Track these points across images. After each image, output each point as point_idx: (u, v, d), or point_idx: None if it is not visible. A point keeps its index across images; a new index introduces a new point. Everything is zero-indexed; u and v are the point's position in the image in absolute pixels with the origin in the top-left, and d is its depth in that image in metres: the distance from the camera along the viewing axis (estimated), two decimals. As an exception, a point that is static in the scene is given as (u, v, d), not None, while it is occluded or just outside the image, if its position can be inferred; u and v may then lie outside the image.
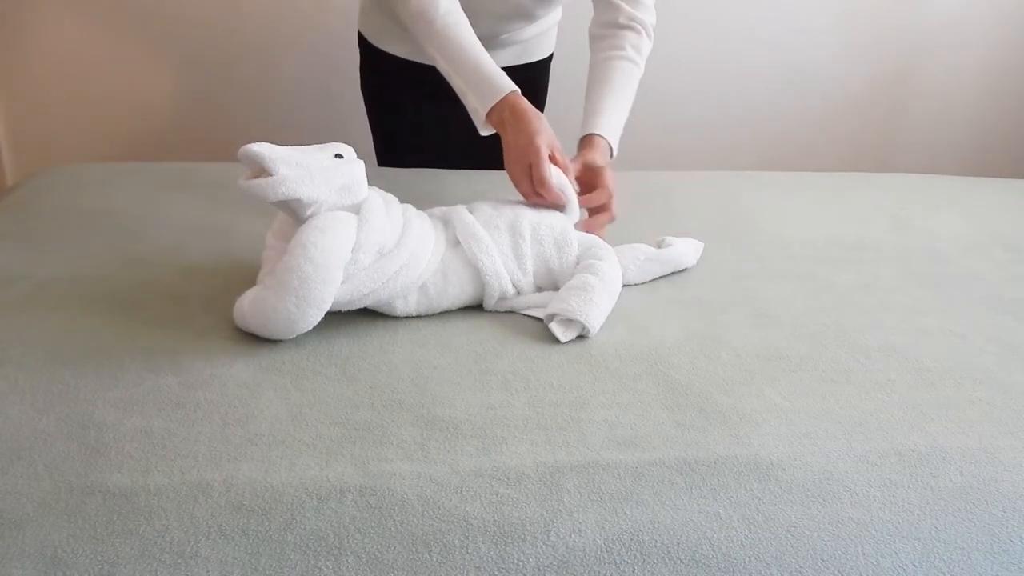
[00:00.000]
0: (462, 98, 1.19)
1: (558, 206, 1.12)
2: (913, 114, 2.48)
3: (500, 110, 1.14)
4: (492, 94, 1.15)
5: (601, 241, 1.09)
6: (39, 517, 0.66)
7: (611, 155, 1.26)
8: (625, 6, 1.32)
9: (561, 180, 1.11)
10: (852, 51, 2.36)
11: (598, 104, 1.28)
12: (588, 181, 1.20)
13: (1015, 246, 1.33)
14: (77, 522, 0.66)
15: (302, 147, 0.95)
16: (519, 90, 1.16)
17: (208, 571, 0.63)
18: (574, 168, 1.19)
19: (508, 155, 1.14)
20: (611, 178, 1.19)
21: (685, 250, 1.16)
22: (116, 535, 0.65)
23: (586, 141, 1.25)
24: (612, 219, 1.19)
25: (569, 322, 0.97)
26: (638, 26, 1.33)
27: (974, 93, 2.47)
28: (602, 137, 1.25)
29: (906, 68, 2.41)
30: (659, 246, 1.16)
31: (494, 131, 1.17)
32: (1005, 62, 2.44)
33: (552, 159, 1.12)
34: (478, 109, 1.16)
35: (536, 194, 1.11)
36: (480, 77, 1.16)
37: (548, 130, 1.14)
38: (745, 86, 2.37)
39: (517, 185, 1.13)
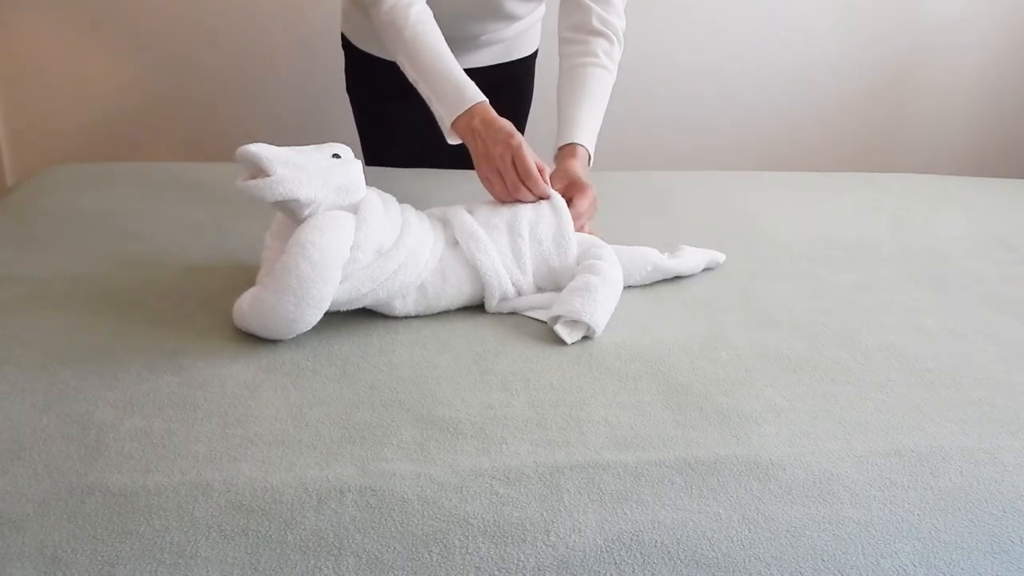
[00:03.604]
0: (429, 105, 1.18)
1: (544, 197, 1.11)
2: (913, 114, 2.48)
3: (469, 118, 1.14)
4: (459, 104, 1.14)
5: (599, 240, 1.09)
6: (39, 517, 0.66)
7: (588, 163, 1.25)
8: (596, 8, 1.30)
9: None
10: (852, 51, 2.36)
11: (575, 112, 1.26)
12: (569, 195, 1.18)
13: (1015, 246, 1.33)
14: (77, 522, 0.66)
15: (299, 147, 0.95)
16: (487, 100, 1.15)
17: (208, 571, 0.62)
18: (559, 183, 1.18)
19: (479, 159, 1.13)
20: (592, 195, 1.17)
21: (695, 262, 1.15)
22: (116, 535, 0.65)
23: (567, 151, 1.24)
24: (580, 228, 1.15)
25: (574, 323, 0.97)
26: (610, 32, 1.31)
27: (974, 93, 2.47)
28: (582, 146, 1.23)
29: (906, 68, 2.41)
30: (673, 252, 1.15)
31: (460, 141, 1.17)
32: (1005, 62, 2.44)
33: None
34: (444, 118, 1.16)
35: (513, 193, 1.09)
36: (447, 87, 1.16)
37: (521, 135, 1.13)
38: (745, 86, 2.37)
39: (491, 187, 1.12)
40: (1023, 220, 1.45)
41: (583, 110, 1.26)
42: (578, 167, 1.20)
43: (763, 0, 2.28)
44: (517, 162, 1.09)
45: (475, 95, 1.15)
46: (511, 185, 1.09)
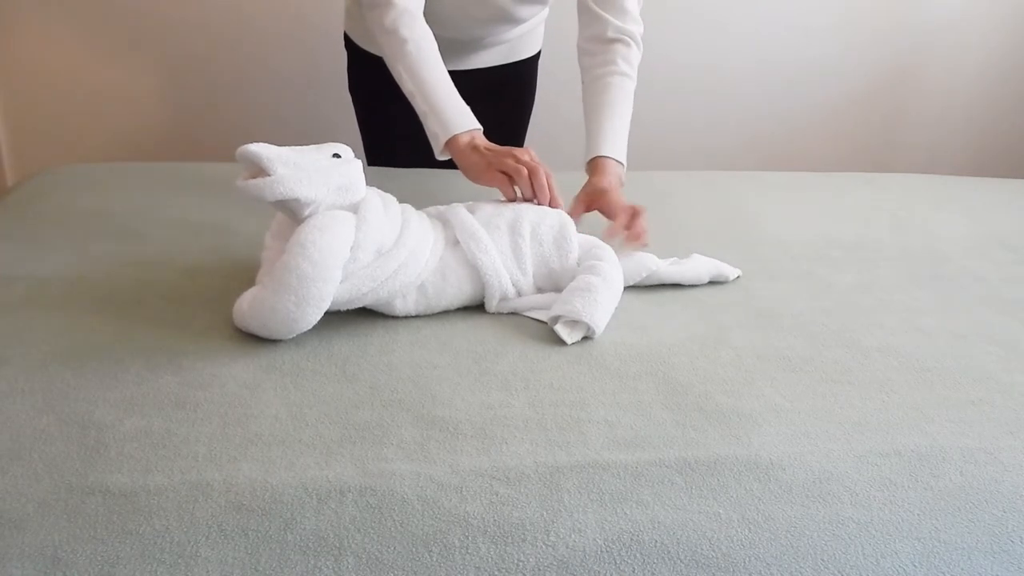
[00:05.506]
0: (422, 119, 1.20)
1: (550, 193, 1.11)
2: (913, 114, 2.48)
3: (470, 137, 1.16)
4: (460, 125, 1.16)
5: (600, 241, 1.09)
6: (39, 517, 0.66)
7: (623, 170, 1.26)
8: (612, 19, 1.31)
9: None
10: (852, 51, 2.36)
11: (601, 125, 1.27)
12: (596, 208, 1.20)
13: (1015, 246, 1.33)
14: (77, 522, 0.66)
15: (299, 147, 0.95)
16: (482, 128, 1.18)
17: (208, 571, 0.62)
18: (585, 198, 1.19)
19: (480, 164, 1.14)
20: (619, 203, 1.18)
21: (697, 273, 1.12)
22: (116, 535, 0.65)
23: (594, 164, 1.24)
24: (645, 244, 1.15)
25: (574, 323, 0.97)
26: (627, 38, 1.32)
27: (974, 93, 2.47)
28: (610, 158, 1.24)
29: (906, 68, 2.41)
30: (680, 260, 1.14)
31: (449, 157, 1.19)
32: (1005, 62, 2.44)
33: None
34: (438, 135, 1.17)
35: (533, 176, 1.11)
36: (449, 109, 1.18)
37: None
38: (745, 86, 2.37)
39: (499, 183, 1.14)
40: (1023, 220, 1.45)
41: (608, 122, 1.27)
42: (604, 182, 1.21)
43: (763, 0, 2.28)
44: (521, 154, 1.12)
45: (473, 122, 1.18)
46: (531, 167, 1.11)
